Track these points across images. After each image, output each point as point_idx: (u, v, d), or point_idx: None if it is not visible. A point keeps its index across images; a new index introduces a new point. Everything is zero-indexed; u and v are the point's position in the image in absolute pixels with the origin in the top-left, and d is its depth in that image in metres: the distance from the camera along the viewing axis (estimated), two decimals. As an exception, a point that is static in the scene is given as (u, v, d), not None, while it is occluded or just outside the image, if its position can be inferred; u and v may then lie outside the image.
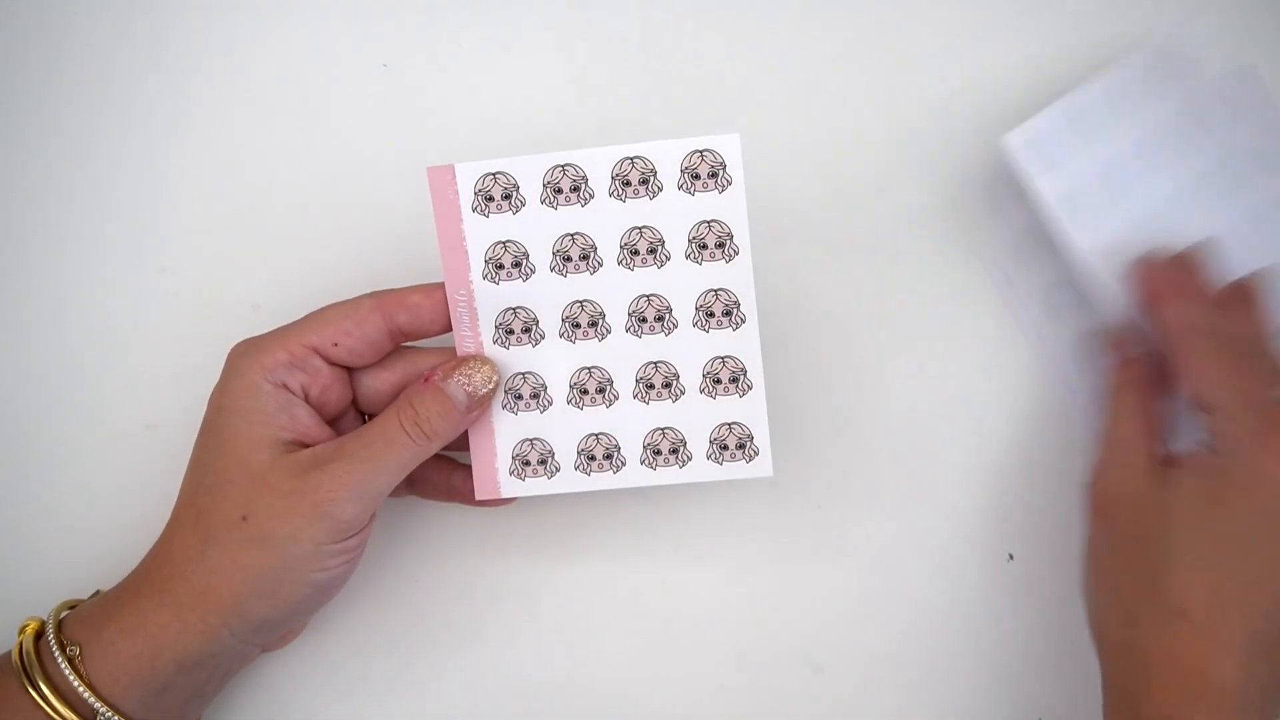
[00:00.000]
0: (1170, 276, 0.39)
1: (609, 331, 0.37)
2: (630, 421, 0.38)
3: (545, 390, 0.38)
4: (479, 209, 0.37)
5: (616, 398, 0.38)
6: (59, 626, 0.35)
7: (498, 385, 0.37)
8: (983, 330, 0.44)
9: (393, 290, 0.37)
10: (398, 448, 0.35)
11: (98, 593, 0.38)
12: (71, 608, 0.37)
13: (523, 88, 0.45)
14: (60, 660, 0.34)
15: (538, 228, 0.37)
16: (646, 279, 0.37)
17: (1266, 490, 0.33)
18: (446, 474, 0.40)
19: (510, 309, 0.37)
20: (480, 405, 0.37)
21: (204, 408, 0.37)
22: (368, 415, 0.39)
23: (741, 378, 0.37)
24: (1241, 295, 0.38)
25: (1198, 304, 0.38)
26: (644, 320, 0.37)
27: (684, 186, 0.36)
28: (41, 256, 0.45)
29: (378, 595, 0.43)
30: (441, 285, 0.37)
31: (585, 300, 0.37)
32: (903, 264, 0.44)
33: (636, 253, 0.37)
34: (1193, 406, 0.37)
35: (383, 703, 0.43)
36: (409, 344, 0.39)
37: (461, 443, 0.37)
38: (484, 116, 0.45)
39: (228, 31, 0.46)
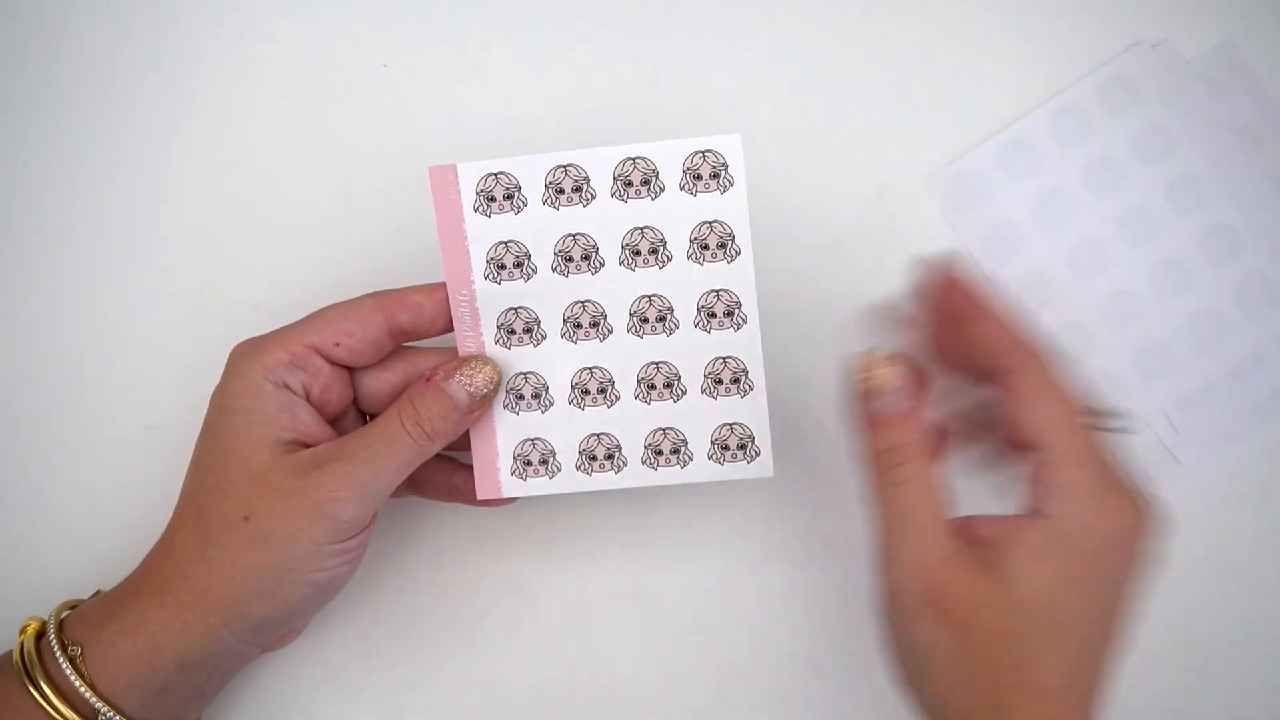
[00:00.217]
0: (980, 290, 0.34)
1: (610, 332, 0.37)
2: (631, 422, 0.38)
3: (547, 390, 0.38)
4: (481, 209, 0.37)
5: (618, 398, 0.38)
6: (60, 626, 0.35)
7: (499, 385, 0.37)
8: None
9: (394, 290, 0.37)
10: (399, 448, 0.35)
11: (98, 593, 0.38)
12: (72, 608, 0.37)
13: (524, 88, 0.45)
14: (61, 660, 0.34)
15: (540, 228, 0.37)
16: (648, 279, 0.37)
17: (1109, 552, 0.32)
18: (448, 474, 0.40)
19: (512, 309, 0.37)
20: (482, 405, 0.37)
21: (204, 408, 0.37)
22: (369, 415, 0.39)
23: (743, 378, 0.37)
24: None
25: (1017, 319, 0.34)
26: (645, 320, 0.37)
27: (686, 187, 0.36)
28: (41, 256, 0.44)
29: (378, 595, 0.43)
30: (443, 285, 0.37)
31: (587, 300, 0.37)
32: (903, 264, 0.44)
33: (638, 253, 0.37)
34: (1010, 448, 0.33)
35: (383, 702, 0.43)
36: (410, 344, 0.39)
37: (463, 443, 0.37)
38: (484, 117, 0.45)
39: (228, 31, 0.46)
